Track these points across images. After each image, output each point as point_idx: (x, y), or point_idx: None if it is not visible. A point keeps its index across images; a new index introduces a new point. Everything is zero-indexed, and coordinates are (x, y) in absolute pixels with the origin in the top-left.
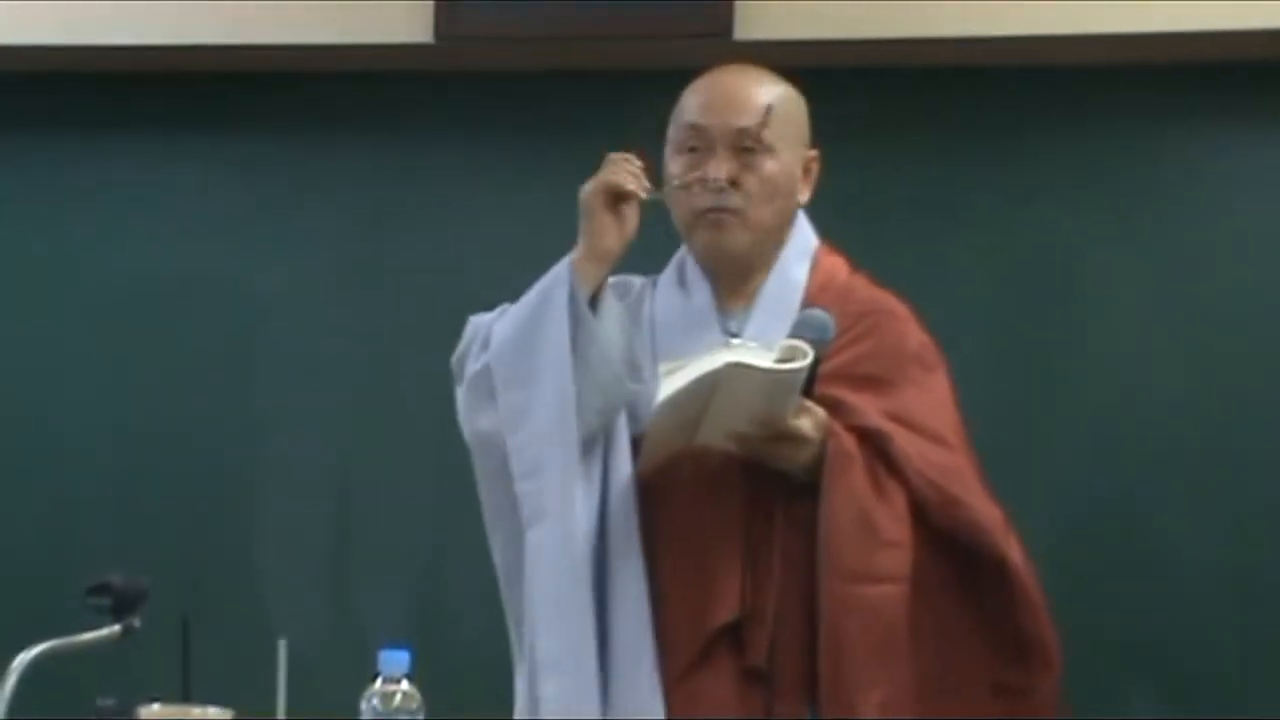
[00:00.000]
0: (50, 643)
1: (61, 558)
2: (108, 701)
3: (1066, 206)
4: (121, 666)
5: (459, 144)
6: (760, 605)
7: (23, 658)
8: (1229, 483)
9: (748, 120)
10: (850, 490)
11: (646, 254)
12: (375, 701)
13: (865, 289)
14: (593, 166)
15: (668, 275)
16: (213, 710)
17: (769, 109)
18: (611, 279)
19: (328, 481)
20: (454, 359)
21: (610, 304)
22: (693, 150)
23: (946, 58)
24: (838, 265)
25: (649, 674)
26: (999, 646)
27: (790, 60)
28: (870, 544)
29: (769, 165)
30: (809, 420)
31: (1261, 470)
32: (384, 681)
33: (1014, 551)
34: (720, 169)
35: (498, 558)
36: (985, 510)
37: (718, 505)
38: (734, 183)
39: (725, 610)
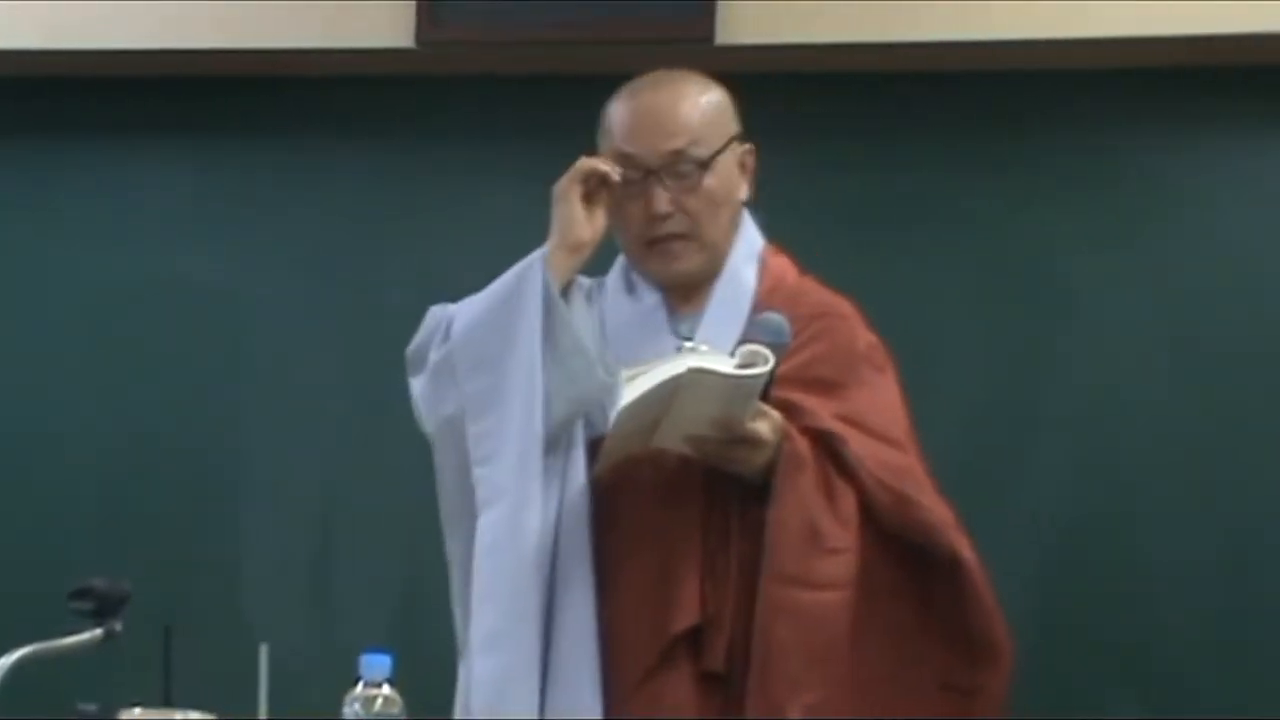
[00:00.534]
0: (32, 646)
1: (44, 562)
2: (89, 706)
3: (1057, 211)
4: (104, 671)
5: (441, 149)
6: (719, 610)
7: (4, 661)
8: (1218, 487)
9: (679, 142)
10: (799, 495)
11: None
12: (357, 706)
13: (815, 291)
14: None
15: (614, 279)
16: (194, 715)
17: (697, 123)
18: None
19: (310, 487)
20: (411, 349)
21: (578, 297)
22: (626, 181)
23: (930, 62)
24: (785, 266)
25: (591, 678)
26: (949, 646)
27: (772, 65)
28: (813, 550)
29: (708, 180)
30: (766, 424)
31: (1251, 475)
32: (365, 686)
33: (966, 550)
34: (661, 201)
35: (455, 554)
36: (937, 510)
37: (676, 510)
38: (677, 206)
39: (686, 617)
